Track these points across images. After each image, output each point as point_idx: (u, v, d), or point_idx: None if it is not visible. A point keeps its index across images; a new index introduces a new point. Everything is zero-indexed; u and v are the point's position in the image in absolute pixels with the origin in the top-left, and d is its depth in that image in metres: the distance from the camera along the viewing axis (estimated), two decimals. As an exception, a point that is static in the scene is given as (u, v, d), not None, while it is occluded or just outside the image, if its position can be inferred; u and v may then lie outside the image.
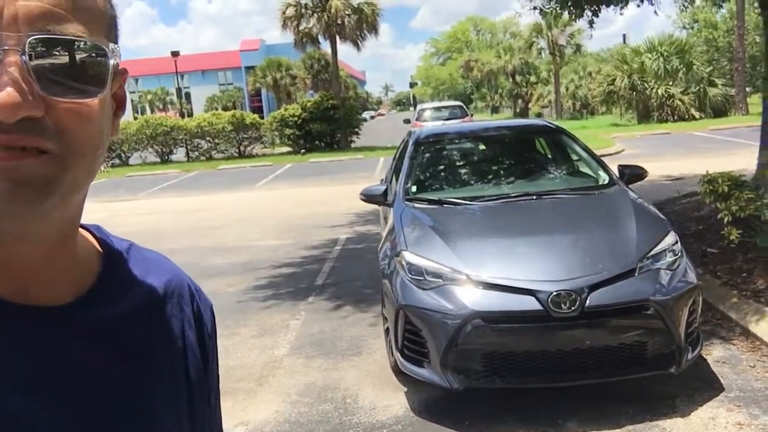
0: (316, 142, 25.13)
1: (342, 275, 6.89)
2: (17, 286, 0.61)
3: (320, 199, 12.53)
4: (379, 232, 8.24)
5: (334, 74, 28.89)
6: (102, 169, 19.51)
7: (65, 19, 0.55)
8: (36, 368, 0.60)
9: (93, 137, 0.59)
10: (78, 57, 0.56)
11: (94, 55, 0.57)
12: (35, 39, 0.53)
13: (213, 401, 0.80)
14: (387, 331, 4.22)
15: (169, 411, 0.70)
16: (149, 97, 55.63)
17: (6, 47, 0.52)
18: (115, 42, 0.62)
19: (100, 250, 0.71)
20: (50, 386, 0.60)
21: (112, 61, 0.59)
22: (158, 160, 25.22)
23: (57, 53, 0.55)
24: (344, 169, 17.87)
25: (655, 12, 7.70)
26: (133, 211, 13.38)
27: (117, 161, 24.89)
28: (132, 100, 58.41)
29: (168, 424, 0.69)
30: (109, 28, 0.61)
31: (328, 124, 24.79)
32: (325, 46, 28.07)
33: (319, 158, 21.81)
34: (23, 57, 0.53)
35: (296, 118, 24.30)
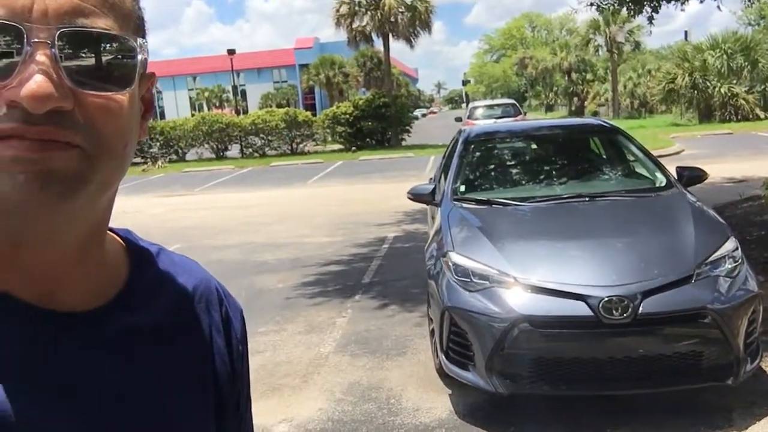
0: (368, 139, 25.22)
1: (389, 274, 6.88)
2: (43, 291, 0.60)
3: (370, 197, 12.56)
4: (427, 231, 8.22)
5: (387, 72, 28.95)
6: (160, 164, 20.12)
7: (94, 13, 0.55)
8: (61, 376, 0.59)
9: (122, 133, 0.58)
10: (107, 51, 0.56)
11: (122, 49, 0.57)
12: (65, 32, 0.53)
13: (243, 408, 0.78)
14: (432, 332, 4.18)
15: (195, 419, 0.69)
16: (206, 94, 56.82)
17: (36, 40, 0.52)
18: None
19: (129, 254, 0.70)
20: (75, 394, 0.59)
21: (140, 57, 0.58)
22: (213, 156, 25.76)
23: (86, 47, 0.55)
24: (394, 167, 17.87)
25: (719, 6, 7.40)
26: (189, 206, 13.70)
27: (174, 157, 25.54)
28: (190, 98, 59.95)
29: (191, 423, 0.68)
30: (137, 27, 0.61)
31: (380, 122, 24.84)
32: (378, 44, 28.20)
33: (369, 156, 21.87)
34: (53, 50, 0.52)
35: (348, 116, 24.43)
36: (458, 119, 22.36)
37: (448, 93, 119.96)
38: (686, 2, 7.26)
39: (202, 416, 0.70)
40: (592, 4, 7.75)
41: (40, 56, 0.52)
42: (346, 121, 24.47)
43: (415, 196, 5.02)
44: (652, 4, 7.52)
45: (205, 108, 53.44)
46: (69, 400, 0.58)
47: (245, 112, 42.32)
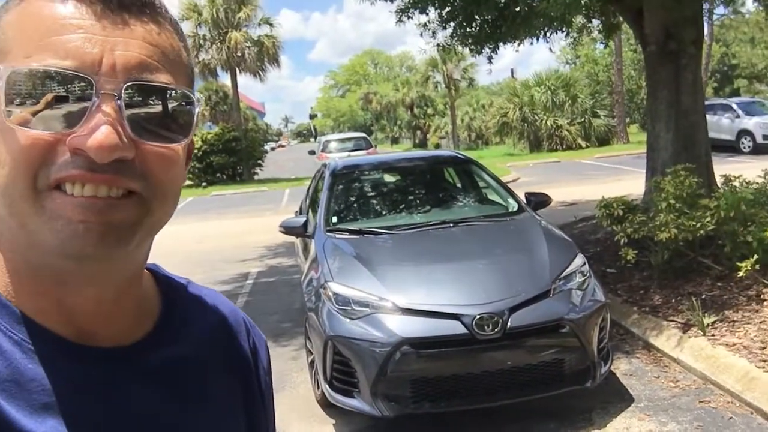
0: (218, 174, 24.64)
1: (257, 310, 6.77)
2: (82, 328, 0.62)
3: (227, 233, 12.27)
4: (292, 264, 8.20)
5: (235, 106, 28.58)
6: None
7: (157, 69, 0.59)
8: (104, 411, 0.60)
9: (176, 181, 0.62)
10: (169, 104, 0.59)
11: (183, 103, 0.61)
12: (131, 86, 0.56)
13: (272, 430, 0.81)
14: (312, 363, 4.20)
15: None
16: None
17: (104, 92, 0.55)
18: None
19: (159, 287, 0.73)
20: (120, 427, 0.61)
21: (197, 109, 0.62)
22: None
23: (150, 100, 0.58)
24: (249, 202, 17.62)
25: (550, 49, 8.26)
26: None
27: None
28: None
29: None
30: (191, 80, 0.64)
31: (230, 156, 24.39)
32: (224, 78, 27.77)
33: (222, 191, 21.36)
34: (119, 102, 0.55)
35: (197, 150, 23.73)
36: (312, 152, 22.53)
37: (296, 126, 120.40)
38: (522, 43, 8.01)
39: None
40: (438, 45, 8.29)
41: (107, 107, 0.55)
42: (194, 156, 23.63)
43: (287, 229, 5.04)
44: (490, 45, 8.19)
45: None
46: (116, 429, 0.60)
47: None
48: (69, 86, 0.55)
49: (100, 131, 0.54)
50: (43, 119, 0.55)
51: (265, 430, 0.81)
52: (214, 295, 0.80)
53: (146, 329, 0.68)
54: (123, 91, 0.56)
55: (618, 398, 3.99)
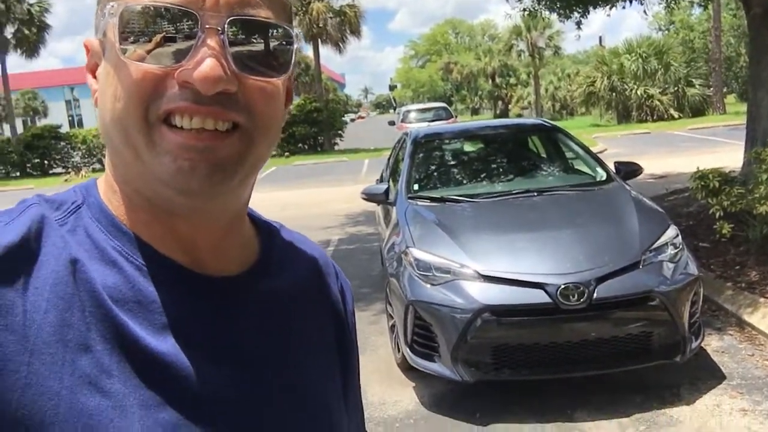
0: (300, 144, 25.10)
1: (338, 275, 6.91)
2: (195, 257, 0.65)
3: (308, 202, 12.53)
4: (371, 232, 8.29)
5: (317, 77, 28.87)
6: (83, 174, 19.33)
7: (258, 4, 0.60)
8: (218, 333, 0.64)
9: (277, 114, 0.64)
10: (270, 40, 0.61)
11: (282, 37, 0.62)
12: (234, 20, 0.58)
13: (356, 372, 0.84)
14: (392, 328, 4.26)
15: (329, 375, 0.74)
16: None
17: (208, 26, 0.57)
18: None
19: (257, 227, 0.76)
20: (231, 348, 0.64)
21: (295, 46, 0.63)
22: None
23: (252, 35, 0.60)
24: (329, 172, 17.88)
25: (645, 12, 7.88)
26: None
27: (98, 166, 24.63)
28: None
29: (326, 389, 0.73)
30: (290, 17, 0.66)
31: (312, 127, 24.77)
32: (306, 49, 28.09)
33: (303, 161, 21.78)
34: (222, 36, 0.57)
35: (279, 121, 24.21)
36: (391, 123, 22.58)
37: (375, 98, 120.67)
38: (613, 6, 7.66)
39: (333, 373, 0.75)
40: (524, 10, 8.05)
41: (212, 41, 0.57)
42: (277, 126, 24.22)
43: (369, 195, 5.09)
44: (580, 9, 7.89)
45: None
46: (226, 353, 0.63)
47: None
48: (177, 24, 0.57)
49: (206, 63, 0.56)
50: (155, 56, 0.57)
51: (355, 369, 0.83)
52: (305, 238, 0.82)
53: (249, 264, 0.70)
54: (226, 26, 0.57)
55: (708, 375, 3.84)
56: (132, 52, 0.57)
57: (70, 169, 23.77)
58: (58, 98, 49.68)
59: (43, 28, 26.27)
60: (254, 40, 0.60)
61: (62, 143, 25.03)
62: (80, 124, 46.89)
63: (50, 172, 25.01)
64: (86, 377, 0.54)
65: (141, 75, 0.57)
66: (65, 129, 27.81)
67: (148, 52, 0.57)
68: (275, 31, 0.61)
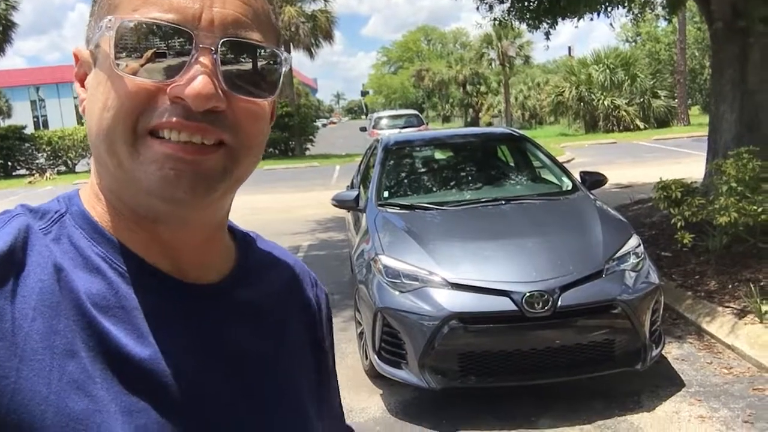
0: (271, 149, 24.96)
1: (307, 281, 6.90)
2: (177, 265, 0.67)
3: (278, 207, 12.48)
4: (342, 239, 8.29)
5: (288, 81, 28.77)
6: (48, 176, 18.95)
7: (250, 27, 0.62)
8: (200, 338, 0.66)
9: (261, 134, 0.66)
10: (258, 62, 0.63)
11: (271, 61, 0.64)
12: (226, 42, 0.60)
13: (333, 377, 0.87)
14: (361, 335, 4.27)
15: (308, 378, 0.77)
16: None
17: (202, 45, 0.59)
18: None
19: (233, 237, 0.78)
20: (214, 353, 0.66)
21: (283, 69, 0.66)
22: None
23: (242, 56, 0.62)
24: (300, 177, 17.83)
25: (611, 25, 8.06)
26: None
27: (63, 168, 24.17)
28: (75, 106, 56.68)
29: (304, 394, 0.76)
30: (278, 40, 0.68)
31: (283, 132, 24.67)
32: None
33: (273, 166, 21.64)
34: (215, 56, 0.59)
35: (250, 125, 24.04)
36: (363, 129, 22.62)
37: (347, 103, 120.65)
38: (581, 18, 7.81)
39: (312, 376, 0.78)
40: (495, 20, 8.16)
41: (205, 60, 0.59)
42: (247, 130, 24.05)
43: (339, 202, 5.11)
44: (549, 20, 8.03)
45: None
46: (207, 357, 0.65)
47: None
48: (170, 41, 0.59)
49: (198, 81, 0.58)
50: (148, 70, 0.59)
51: (333, 374, 0.86)
52: (281, 248, 0.85)
53: (227, 272, 0.73)
54: (219, 46, 0.59)
55: (668, 382, 3.93)
56: (125, 65, 0.59)
57: (34, 171, 23.25)
58: (23, 98, 48.69)
59: (10, 26, 25.71)
60: (244, 61, 0.62)
61: (26, 144, 24.50)
62: (45, 125, 46.02)
63: (14, 173, 24.45)
64: (74, 382, 0.56)
65: (135, 88, 0.59)
66: (30, 130, 27.24)
67: (141, 66, 0.59)
68: (264, 52, 0.63)
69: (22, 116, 41.96)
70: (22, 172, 24.34)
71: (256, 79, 0.63)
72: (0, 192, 18.93)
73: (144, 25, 0.59)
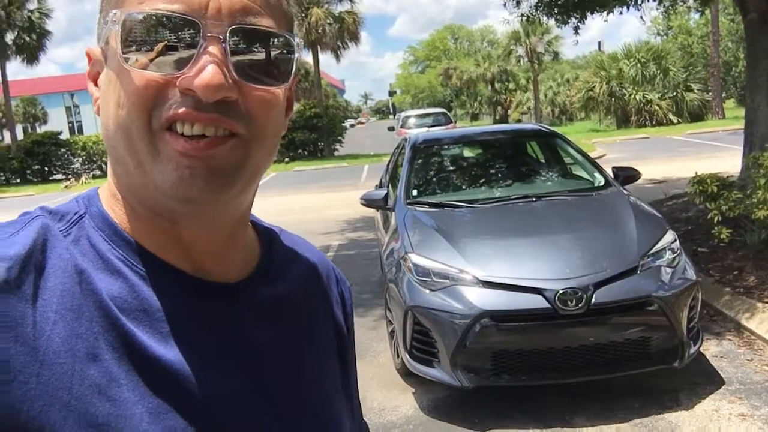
0: (300, 150, 25.14)
1: (338, 281, 6.91)
2: (198, 264, 0.66)
3: (308, 207, 12.55)
4: (371, 238, 8.30)
5: (317, 83, 28.92)
6: (83, 180, 19.37)
7: (260, 13, 0.61)
8: (221, 338, 0.65)
9: (275, 124, 0.64)
10: (271, 48, 0.62)
11: (284, 47, 0.63)
12: (235, 29, 0.59)
13: (354, 374, 0.86)
14: (392, 333, 4.26)
15: (329, 376, 0.76)
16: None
17: (210, 34, 0.58)
18: None
19: (257, 232, 0.77)
20: (235, 354, 0.65)
21: (296, 55, 0.64)
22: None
23: (253, 44, 0.60)
24: (329, 177, 17.91)
25: (641, 18, 7.92)
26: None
27: (98, 172, 24.66)
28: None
29: (330, 392, 0.75)
30: (291, 26, 0.67)
31: (312, 133, 24.82)
32: (306, 55, 28.10)
33: (303, 167, 21.81)
34: (224, 45, 0.58)
35: (279, 127, 24.22)
36: (391, 128, 22.62)
37: (375, 103, 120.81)
38: (611, 12, 7.69)
39: (333, 374, 0.77)
40: (522, 15, 8.08)
41: (213, 49, 0.57)
42: (277, 132, 24.26)
43: (368, 201, 5.10)
44: (577, 15, 7.92)
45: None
46: (230, 359, 0.64)
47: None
48: (179, 33, 0.58)
49: (207, 71, 0.56)
50: (157, 64, 0.58)
51: (354, 371, 0.85)
52: (305, 242, 0.84)
53: (251, 269, 0.72)
54: (228, 35, 0.58)
55: (707, 380, 3.84)
56: (134, 60, 0.58)
57: (70, 176, 23.80)
58: (58, 104, 49.73)
59: (43, 34, 26.33)
60: (255, 49, 0.60)
61: (62, 150, 25.09)
62: (80, 131, 46.93)
63: (50, 178, 25.04)
64: (95, 387, 0.55)
65: (144, 82, 0.58)
66: (65, 135, 27.85)
67: (151, 60, 0.58)
68: (276, 40, 0.62)
69: (57, 122, 42.94)
70: (59, 176, 24.90)
71: (268, 67, 0.61)
72: (37, 197, 19.39)
73: (150, 17, 0.58)
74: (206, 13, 0.58)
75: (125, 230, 0.64)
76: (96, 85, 0.66)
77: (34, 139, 25.64)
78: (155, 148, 0.59)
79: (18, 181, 24.93)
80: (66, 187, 21.41)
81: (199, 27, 0.57)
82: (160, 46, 0.58)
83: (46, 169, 25.26)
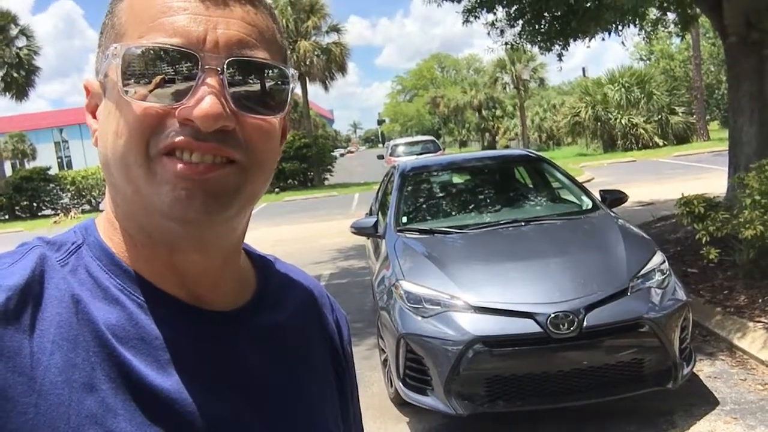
0: (290, 180, 25.20)
1: (330, 310, 6.87)
2: (195, 293, 0.67)
3: (299, 237, 12.53)
4: (363, 266, 8.29)
5: (306, 113, 29.14)
6: (72, 215, 19.20)
7: (255, 46, 0.63)
8: (218, 366, 0.65)
9: (272, 152, 0.66)
10: (266, 79, 0.64)
11: (279, 78, 0.65)
12: (232, 61, 0.61)
13: (355, 401, 0.86)
14: (385, 362, 4.24)
15: (327, 403, 0.76)
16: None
17: (208, 66, 0.59)
18: None
19: (252, 261, 0.77)
20: (231, 381, 0.66)
21: (291, 86, 0.66)
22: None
23: (249, 75, 0.62)
24: (320, 207, 17.93)
25: (623, 43, 8.10)
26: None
27: (87, 207, 24.56)
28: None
29: (326, 414, 0.75)
30: (285, 58, 0.69)
31: (302, 163, 24.91)
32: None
33: (294, 196, 21.83)
34: (222, 76, 0.60)
35: (268, 158, 24.31)
36: (380, 157, 22.74)
37: (364, 132, 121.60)
38: (592, 38, 7.83)
39: (331, 401, 0.77)
40: (506, 44, 8.21)
41: (211, 80, 0.59)
42: (266, 163, 24.35)
43: (358, 229, 5.11)
44: (560, 42, 8.06)
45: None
46: (228, 387, 0.65)
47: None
48: (177, 65, 0.59)
49: (205, 101, 0.58)
50: (156, 95, 0.60)
51: (355, 398, 0.85)
52: (299, 270, 0.85)
53: (247, 297, 0.72)
54: (225, 67, 0.60)
55: (702, 401, 3.83)
56: (134, 91, 0.60)
57: (59, 211, 23.65)
58: (47, 140, 49.75)
59: (32, 71, 26.44)
60: (252, 81, 0.62)
61: (51, 185, 25.01)
62: (69, 166, 46.92)
63: (39, 214, 24.91)
64: (92, 417, 0.55)
65: (143, 112, 0.59)
66: (54, 171, 27.82)
67: (150, 91, 0.60)
68: (272, 71, 0.64)
69: (46, 158, 42.89)
70: (48, 212, 24.78)
71: (264, 97, 0.63)
72: (26, 233, 19.26)
73: (149, 51, 0.59)
74: (204, 47, 0.60)
75: (123, 259, 0.65)
76: (94, 117, 0.67)
77: (22, 175, 25.56)
78: (152, 172, 0.60)
79: (6, 217, 24.78)
80: (55, 222, 21.26)
81: (198, 59, 0.59)
82: (158, 78, 0.59)
83: (35, 204, 25.15)
